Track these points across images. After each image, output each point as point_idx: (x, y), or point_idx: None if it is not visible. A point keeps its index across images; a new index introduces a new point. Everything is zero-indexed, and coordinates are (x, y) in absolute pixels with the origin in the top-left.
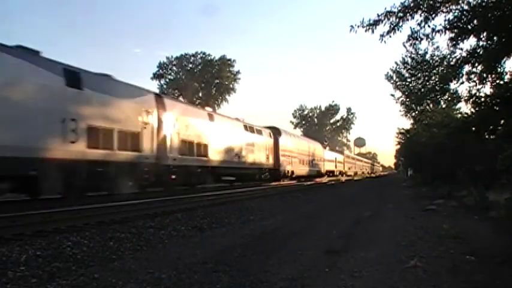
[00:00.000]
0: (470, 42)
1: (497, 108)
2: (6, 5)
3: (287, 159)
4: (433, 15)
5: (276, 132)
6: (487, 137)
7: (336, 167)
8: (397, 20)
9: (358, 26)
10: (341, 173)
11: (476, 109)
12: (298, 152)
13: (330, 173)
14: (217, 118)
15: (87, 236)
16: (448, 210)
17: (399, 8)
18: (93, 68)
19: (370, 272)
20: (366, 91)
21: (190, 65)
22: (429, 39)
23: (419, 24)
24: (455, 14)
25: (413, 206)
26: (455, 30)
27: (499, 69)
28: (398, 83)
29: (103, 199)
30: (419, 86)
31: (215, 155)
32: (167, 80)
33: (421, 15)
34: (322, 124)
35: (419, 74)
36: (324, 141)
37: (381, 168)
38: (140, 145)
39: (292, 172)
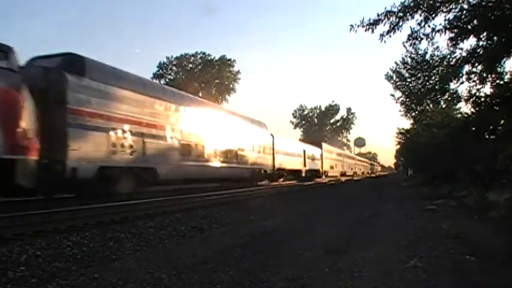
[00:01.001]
0: (470, 42)
1: (497, 108)
2: (5, 6)
3: (109, 140)
4: (433, 15)
5: (64, 62)
6: (487, 137)
7: (304, 165)
8: (397, 19)
9: (358, 26)
10: (316, 174)
11: (476, 109)
12: (175, 128)
13: (297, 174)
14: None
15: (87, 236)
16: (448, 210)
17: (399, 8)
18: None
19: (370, 272)
20: (366, 91)
21: (190, 65)
22: (429, 39)
23: (419, 24)
24: (455, 13)
25: (413, 206)
26: (455, 30)
27: (499, 69)
28: (398, 83)
29: (103, 199)
30: (419, 86)
31: None
32: (167, 80)
33: (421, 15)
34: (322, 124)
35: (419, 74)
36: (324, 141)
37: (379, 168)
38: None
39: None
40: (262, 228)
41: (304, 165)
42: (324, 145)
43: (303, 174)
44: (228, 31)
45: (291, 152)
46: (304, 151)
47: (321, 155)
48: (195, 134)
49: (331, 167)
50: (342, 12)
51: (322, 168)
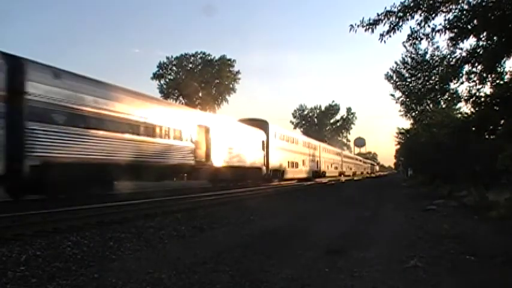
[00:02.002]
0: (470, 42)
1: (497, 108)
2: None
3: None
4: (433, 15)
5: None
6: (487, 137)
7: (206, 158)
8: (397, 19)
9: (358, 26)
10: (250, 175)
11: (476, 109)
12: None
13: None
14: None
15: (87, 236)
16: (448, 210)
17: (399, 8)
18: (94, 68)
19: (370, 272)
20: (366, 91)
21: (190, 65)
22: (429, 39)
23: (419, 24)
24: (455, 13)
25: (414, 206)
26: (455, 30)
27: (499, 69)
28: (398, 83)
29: (103, 199)
30: (419, 86)
31: None
32: (167, 80)
33: (421, 15)
34: (322, 124)
35: (419, 74)
36: (324, 141)
37: (377, 168)
38: None
39: None
40: (262, 228)
41: (206, 158)
42: (272, 126)
43: (201, 175)
44: (228, 31)
45: (156, 128)
46: (207, 130)
47: (265, 143)
48: None
49: (292, 165)
50: (342, 12)
51: (266, 164)
